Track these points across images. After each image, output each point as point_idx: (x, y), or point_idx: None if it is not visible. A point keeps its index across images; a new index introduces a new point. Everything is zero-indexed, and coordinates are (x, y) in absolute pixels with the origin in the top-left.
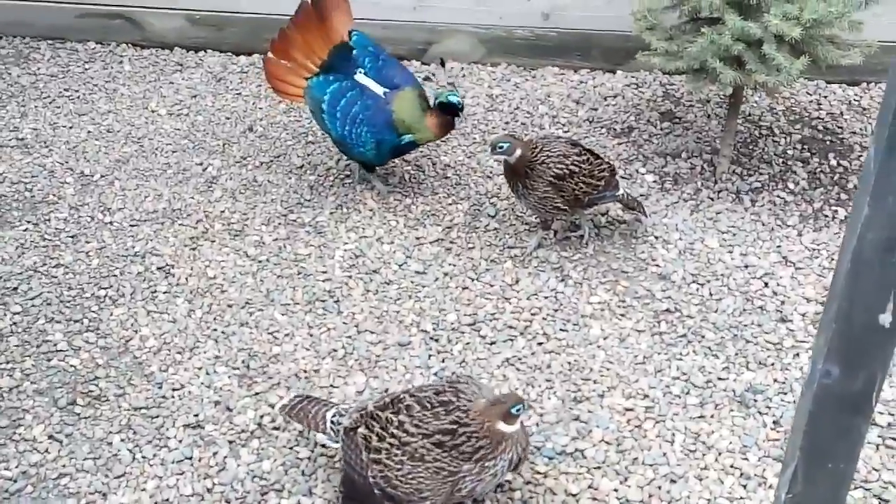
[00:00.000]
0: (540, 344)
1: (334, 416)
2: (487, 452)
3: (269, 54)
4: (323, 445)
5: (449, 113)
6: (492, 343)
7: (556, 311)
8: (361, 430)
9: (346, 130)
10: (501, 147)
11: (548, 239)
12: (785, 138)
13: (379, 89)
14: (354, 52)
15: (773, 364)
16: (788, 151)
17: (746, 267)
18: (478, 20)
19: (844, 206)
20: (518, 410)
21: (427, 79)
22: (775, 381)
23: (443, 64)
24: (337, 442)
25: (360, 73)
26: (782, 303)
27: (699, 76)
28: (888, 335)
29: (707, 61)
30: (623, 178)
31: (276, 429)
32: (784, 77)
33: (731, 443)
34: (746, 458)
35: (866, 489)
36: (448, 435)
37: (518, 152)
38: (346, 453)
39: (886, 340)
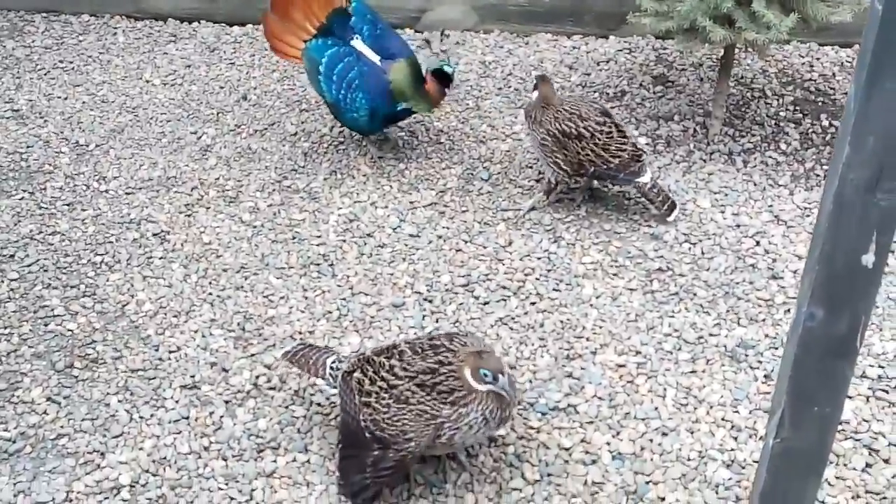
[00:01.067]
0: (533, 303)
1: (334, 362)
2: (460, 397)
3: (269, 11)
4: (319, 404)
5: (442, 81)
6: (485, 303)
7: (548, 271)
8: (357, 374)
9: (342, 95)
10: (535, 83)
11: (541, 203)
12: (777, 100)
13: (375, 58)
14: (353, 18)
15: (764, 320)
16: (780, 113)
17: (738, 226)
18: None
19: None
20: (485, 377)
21: (426, 42)
22: (766, 336)
23: (445, 35)
24: (334, 388)
25: (357, 39)
26: (774, 260)
27: (690, 36)
28: (871, 276)
29: (697, 20)
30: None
31: (271, 389)
32: (774, 34)
33: (722, 396)
34: (737, 412)
35: (856, 440)
36: (429, 374)
37: (536, 93)
38: (341, 396)
39: (870, 281)
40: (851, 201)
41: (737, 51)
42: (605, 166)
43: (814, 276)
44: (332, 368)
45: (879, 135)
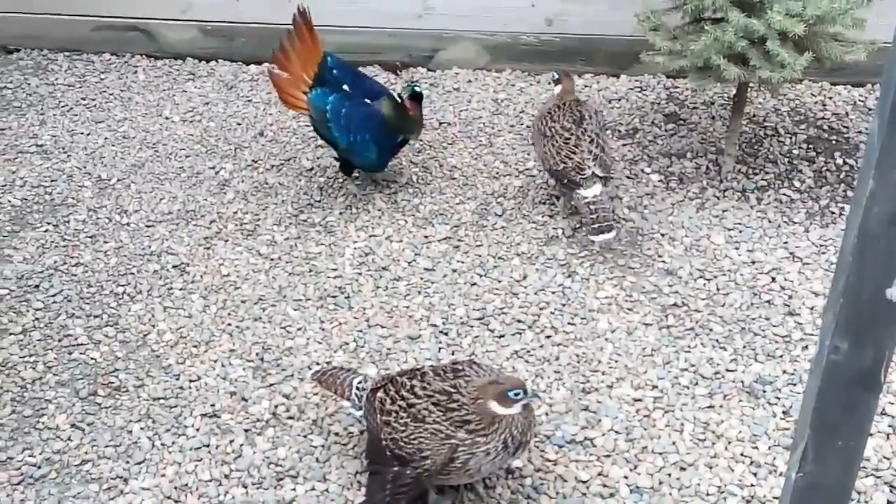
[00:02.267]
0: (548, 337)
1: (360, 382)
2: (480, 427)
3: (273, 67)
4: (337, 434)
5: (418, 101)
6: (500, 336)
7: (563, 305)
8: (380, 393)
9: (352, 138)
10: (555, 76)
11: (557, 237)
12: (790, 138)
13: (364, 99)
14: (335, 71)
15: (781, 356)
16: (794, 151)
17: (753, 263)
18: (482, 27)
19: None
20: (517, 395)
21: (397, 72)
22: (784, 372)
23: (400, 69)
24: (359, 408)
25: (345, 88)
26: (790, 297)
27: (703, 74)
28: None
29: (711, 59)
30: (628, 177)
31: (290, 418)
32: (788, 73)
33: (740, 432)
34: (756, 447)
35: (877, 476)
36: (444, 395)
37: (559, 88)
38: (365, 414)
39: (894, 314)
40: (876, 234)
41: (749, 89)
42: (554, 168)
43: (838, 309)
44: (357, 389)
45: None
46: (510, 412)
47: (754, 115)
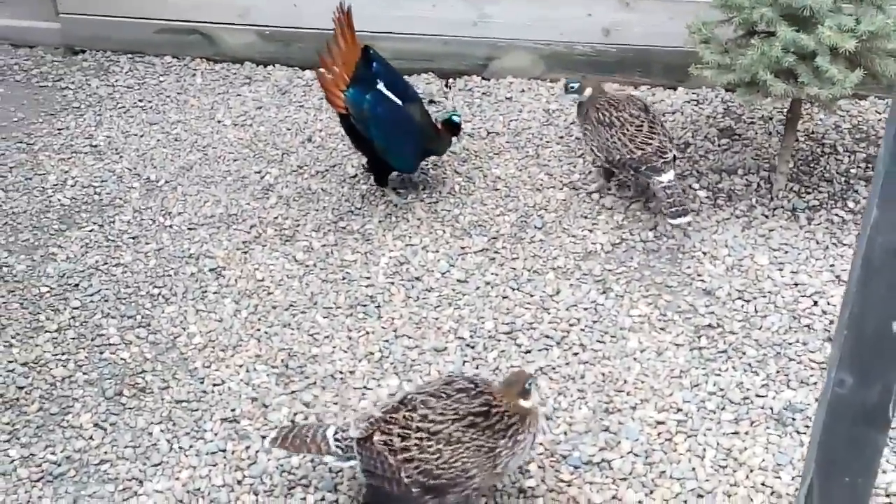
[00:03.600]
0: (575, 354)
1: (336, 433)
2: (518, 428)
3: (320, 68)
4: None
5: (452, 131)
6: (527, 352)
7: (594, 322)
8: (377, 437)
9: (391, 136)
10: (573, 86)
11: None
12: (849, 156)
13: (397, 100)
14: (374, 64)
15: (815, 383)
16: (851, 170)
17: (796, 285)
18: (538, 36)
19: None
20: (530, 384)
21: (431, 102)
22: (816, 400)
23: (448, 87)
24: (347, 459)
25: (380, 84)
26: (831, 322)
27: (752, 89)
28: None
29: (759, 73)
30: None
31: None
32: (838, 90)
33: (763, 460)
34: (779, 477)
35: None
36: (481, 416)
37: (588, 91)
38: (366, 464)
39: None
40: (880, 266)
41: (807, 105)
42: (629, 156)
43: (842, 341)
44: (337, 440)
45: None
46: (534, 402)
47: (813, 132)
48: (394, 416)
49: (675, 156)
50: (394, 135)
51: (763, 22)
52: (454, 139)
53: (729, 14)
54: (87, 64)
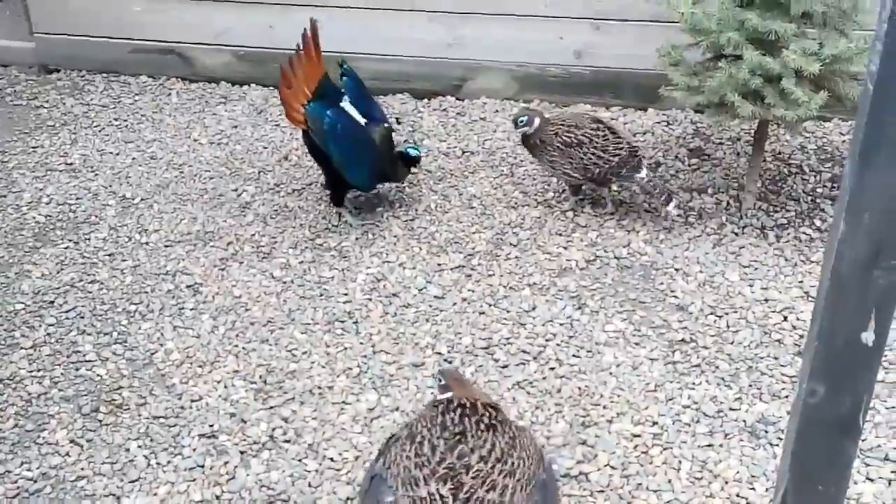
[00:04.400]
0: (552, 369)
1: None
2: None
3: (281, 85)
4: (332, 459)
5: (407, 163)
6: (504, 367)
7: (570, 337)
8: (427, 490)
9: (349, 153)
10: (522, 120)
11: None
12: (815, 176)
13: (360, 119)
14: (344, 78)
15: (787, 396)
16: (817, 189)
17: (766, 301)
18: (511, 57)
19: None
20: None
21: (398, 121)
22: (788, 412)
23: (399, 122)
24: None
25: (346, 100)
26: (801, 337)
27: (720, 110)
28: (872, 353)
29: (726, 95)
30: (647, 211)
31: (286, 441)
32: (804, 112)
33: (738, 472)
34: (753, 488)
35: None
36: (510, 441)
37: (537, 122)
38: None
39: (870, 359)
40: (849, 278)
41: (773, 126)
42: (606, 166)
43: (813, 353)
44: None
45: (875, 211)
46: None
47: (780, 153)
48: (436, 490)
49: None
50: (352, 151)
51: (730, 46)
52: (412, 169)
53: (697, 38)
54: (61, 83)
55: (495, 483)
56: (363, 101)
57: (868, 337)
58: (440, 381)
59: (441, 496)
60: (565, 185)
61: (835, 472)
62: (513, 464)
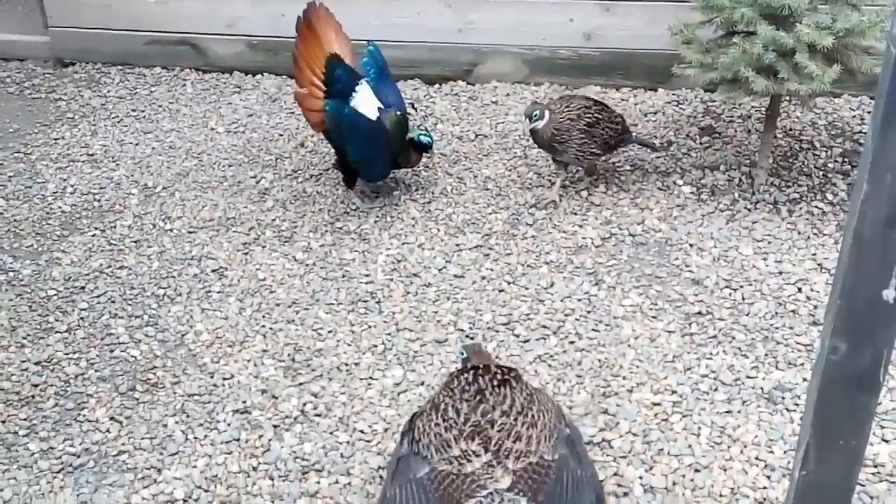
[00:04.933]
0: (572, 343)
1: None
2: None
3: (297, 87)
4: (361, 431)
5: (418, 149)
6: (525, 341)
7: (588, 312)
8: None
9: (364, 152)
10: (536, 115)
11: (586, 246)
12: (826, 151)
13: (374, 106)
14: (365, 59)
15: (802, 364)
16: (829, 164)
17: (780, 273)
18: (521, 41)
19: None
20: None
21: (413, 106)
22: (804, 379)
23: (414, 108)
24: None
25: (363, 83)
26: (815, 307)
27: (734, 87)
28: (892, 310)
29: (740, 71)
30: (660, 189)
31: (317, 415)
32: (817, 85)
33: (756, 436)
34: (772, 451)
35: (891, 482)
36: (528, 397)
37: (547, 115)
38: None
39: (891, 316)
40: (871, 237)
41: (785, 102)
42: (617, 135)
43: (836, 310)
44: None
45: None
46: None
47: (791, 129)
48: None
49: None
50: (366, 149)
51: (743, 22)
52: (425, 156)
53: (710, 15)
54: (77, 76)
55: (520, 434)
56: (382, 86)
57: (889, 294)
58: (463, 355)
59: (473, 451)
60: (580, 169)
61: (855, 427)
62: (534, 416)
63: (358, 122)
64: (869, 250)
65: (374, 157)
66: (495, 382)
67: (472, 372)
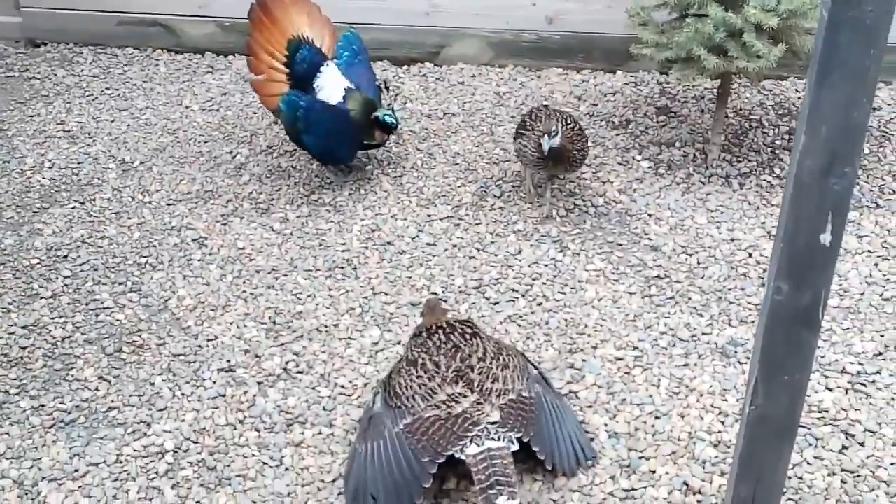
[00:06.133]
0: (539, 304)
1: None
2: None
3: (251, 74)
4: (342, 386)
5: (383, 129)
6: (495, 303)
7: (555, 276)
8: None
9: (324, 145)
10: (554, 131)
11: (552, 216)
12: (773, 129)
13: (341, 87)
14: (340, 43)
15: (753, 321)
16: (776, 141)
17: (732, 240)
18: (486, 24)
19: None
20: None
21: (386, 86)
22: (755, 335)
23: (386, 88)
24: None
25: (331, 65)
26: (764, 271)
27: (688, 65)
28: (829, 253)
29: (693, 50)
30: (620, 164)
31: (299, 373)
32: (763, 63)
33: (711, 386)
34: (725, 399)
35: (834, 426)
36: (495, 346)
37: (560, 128)
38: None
39: (828, 258)
40: (809, 185)
41: (735, 84)
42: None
43: (779, 254)
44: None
45: (830, 125)
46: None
47: (741, 109)
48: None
49: None
50: (329, 139)
51: (695, 4)
52: (390, 136)
53: None
54: (50, 55)
55: (497, 375)
56: (353, 69)
57: (826, 238)
58: (422, 312)
59: (460, 393)
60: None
61: (799, 361)
62: (505, 359)
63: (313, 112)
64: (807, 197)
65: (336, 145)
66: (467, 335)
67: (441, 331)
